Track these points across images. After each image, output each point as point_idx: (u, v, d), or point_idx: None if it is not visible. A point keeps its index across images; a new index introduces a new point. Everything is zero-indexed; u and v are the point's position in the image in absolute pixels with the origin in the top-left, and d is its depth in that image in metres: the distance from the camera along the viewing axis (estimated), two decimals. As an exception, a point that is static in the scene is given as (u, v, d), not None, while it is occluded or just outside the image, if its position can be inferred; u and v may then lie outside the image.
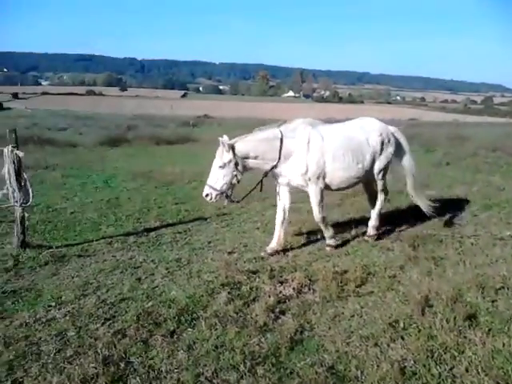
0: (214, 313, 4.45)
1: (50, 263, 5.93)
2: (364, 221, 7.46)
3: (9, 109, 63.19)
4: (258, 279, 5.28)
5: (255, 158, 6.00)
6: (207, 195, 5.91)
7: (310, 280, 5.25)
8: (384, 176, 6.88)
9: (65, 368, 3.61)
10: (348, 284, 5.18)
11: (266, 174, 6.21)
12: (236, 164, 5.84)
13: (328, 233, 6.52)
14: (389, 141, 6.70)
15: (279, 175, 6.26)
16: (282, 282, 5.18)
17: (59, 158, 15.51)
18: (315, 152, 6.09)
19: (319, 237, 6.74)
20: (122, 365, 3.64)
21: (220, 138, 5.77)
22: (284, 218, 6.45)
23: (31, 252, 6.26)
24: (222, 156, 5.81)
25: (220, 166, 5.83)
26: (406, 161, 7.08)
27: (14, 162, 6.15)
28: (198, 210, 8.72)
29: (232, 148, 5.79)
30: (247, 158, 5.96)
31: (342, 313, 4.56)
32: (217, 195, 5.90)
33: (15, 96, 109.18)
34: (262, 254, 6.25)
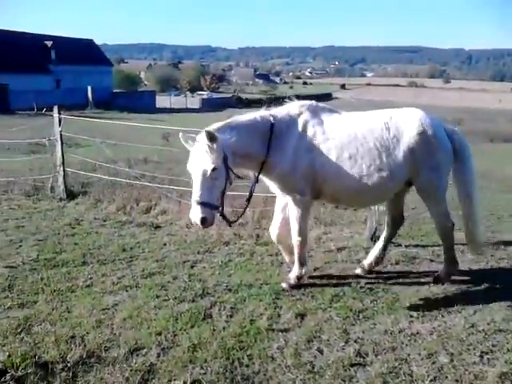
0: None
1: (401, 263, 5.54)
2: None
3: (336, 98, 68.68)
4: None
5: (241, 153, 4.24)
6: (204, 220, 3.90)
7: None
8: (435, 197, 4.70)
9: (446, 407, 3.04)
10: None
11: (257, 178, 4.49)
12: (225, 162, 4.03)
13: (298, 266, 4.78)
14: (437, 142, 4.50)
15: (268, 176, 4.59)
16: None
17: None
18: (307, 146, 4.43)
19: None
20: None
21: (205, 130, 3.90)
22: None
23: (380, 247, 5.98)
24: (213, 154, 3.91)
25: (213, 170, 3.92)
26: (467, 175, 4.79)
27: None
28: None
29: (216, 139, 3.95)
30: (234, 153, 4.14)
31: None
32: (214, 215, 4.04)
33: (342, 87, 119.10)
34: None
